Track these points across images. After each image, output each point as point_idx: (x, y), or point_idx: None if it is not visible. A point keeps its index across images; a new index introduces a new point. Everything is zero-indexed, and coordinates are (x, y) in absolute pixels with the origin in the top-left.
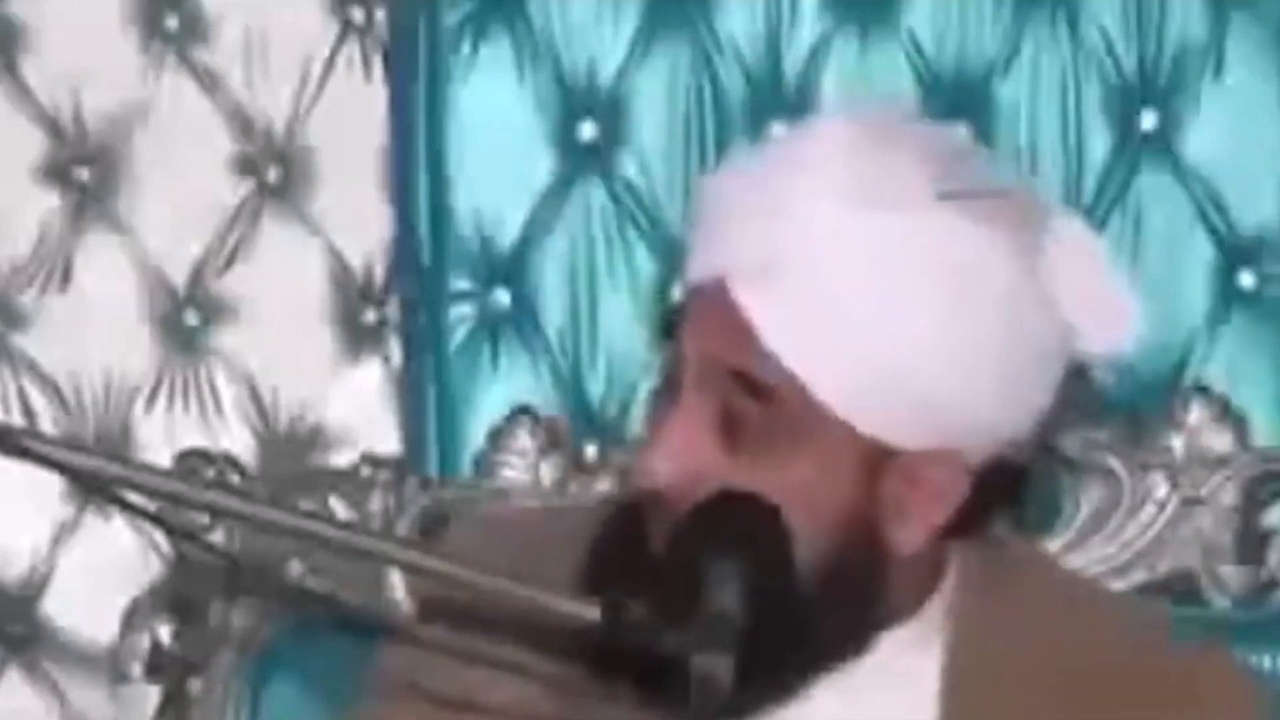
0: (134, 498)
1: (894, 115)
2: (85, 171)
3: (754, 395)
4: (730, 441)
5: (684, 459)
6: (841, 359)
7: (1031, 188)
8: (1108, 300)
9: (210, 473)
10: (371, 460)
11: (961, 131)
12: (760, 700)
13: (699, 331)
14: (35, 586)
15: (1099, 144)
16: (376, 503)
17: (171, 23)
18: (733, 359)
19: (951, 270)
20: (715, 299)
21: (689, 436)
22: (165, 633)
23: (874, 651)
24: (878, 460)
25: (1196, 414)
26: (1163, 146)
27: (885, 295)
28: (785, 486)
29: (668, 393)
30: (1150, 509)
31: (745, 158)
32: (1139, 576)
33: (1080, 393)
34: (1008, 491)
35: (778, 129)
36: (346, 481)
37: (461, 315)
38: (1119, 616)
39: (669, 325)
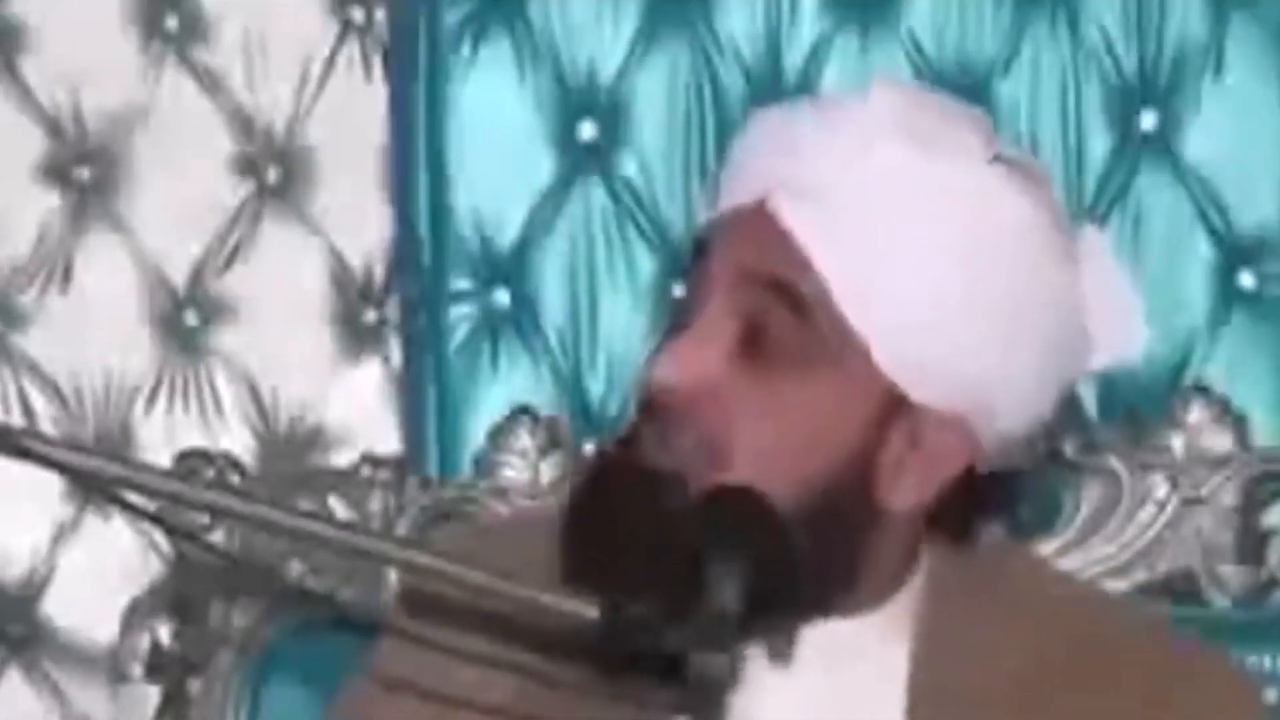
0: (134, 498)
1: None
2: (85, 171)
3: (786, 303)
4: (752, 351)
5: (697, 362)
6: (879, 288)
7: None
8: (1124, 314)
9: (210, 473)
10: (371, 460)
11: None
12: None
13: (736, 244)
14: (35, 586)
15: (1099, 144)
16: (376, 503)
17: (171, 23)
18: (773, 267)
19: (994, 229)
20: (755, 218)
21: (705, 340)
22: (165, 633)
23: (847, 634)
24: (890, 406)
25: (1196, 414)
26: (1163, 146)
27: (931, 237)
28: (798, 407)
29: (683, 314)
30: (1150, 509)
31: (797, 100)
32: (1139, 576)
33: (1069, 407)
34: (994, 495)
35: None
36: (346, 481)
37: (461, 315)
38: (1113, 616)
39: (693, 252)
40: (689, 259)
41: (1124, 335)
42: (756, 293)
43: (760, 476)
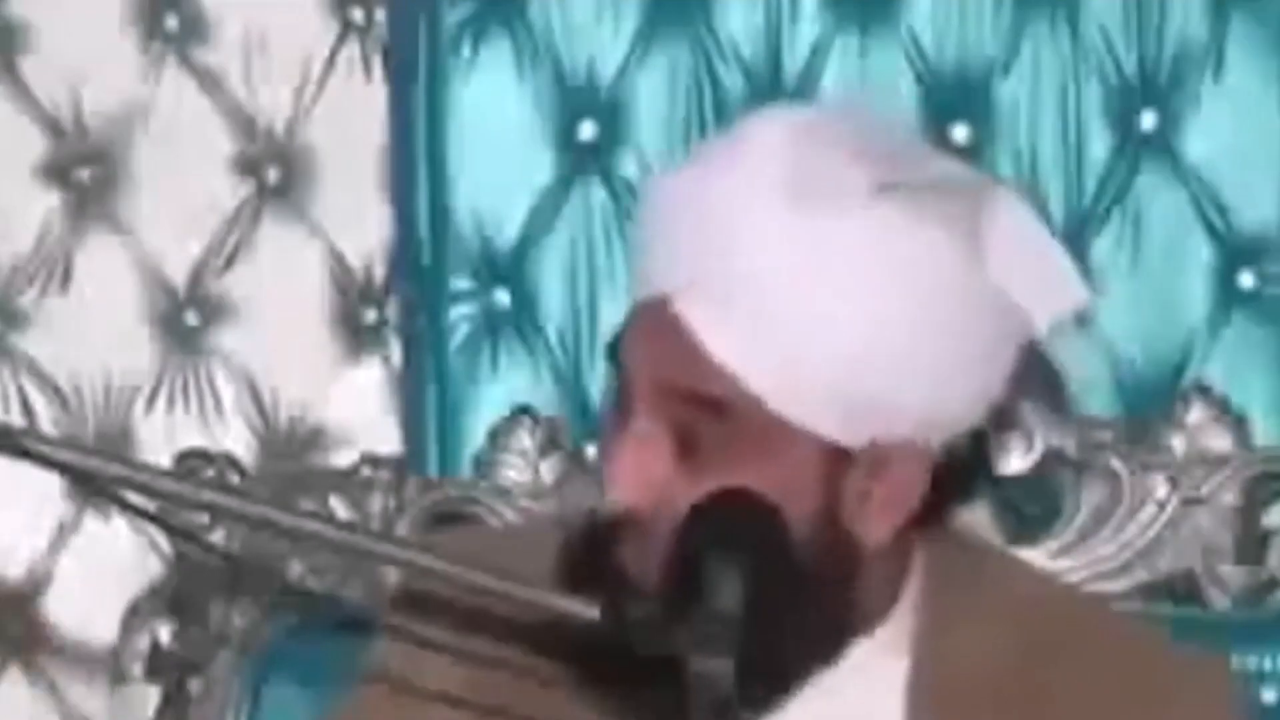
0: (134, 498)
1: (832, 112)
2: (85, 171)
3: (709, 412)
4: (690, 462)
5: (644, 487)
6: (791, 365)
7: (967, 168)
8: (1049, 271)
9: (210, 473)
10: (371, 460)
11: (900, 122)
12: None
13: (646, 354)
14: (35, 586)
15: (1099, 144)
16: (376, 503)
17: (171, 23)
18: (683, 379)
19: (895, 266)
20: (659, 317)
21: (645, 464)
22: (165, 633)
23: (847, 656)
24: (839, 460)
25: (1196, 414)
26: (1163, 146)
27: (829, 296)
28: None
29: (619, 413)
30: (1150, 509)
31: (680, 168)
32: (1139, 577)
33: (1034, 371)
34: (966, 479)
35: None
36: (346, 481)
37: (461, 315)
38: (1096, 616)
39: (614, 349)
40: (610, 356)
41: (1055, 293)
42: (678, 405)
43: None
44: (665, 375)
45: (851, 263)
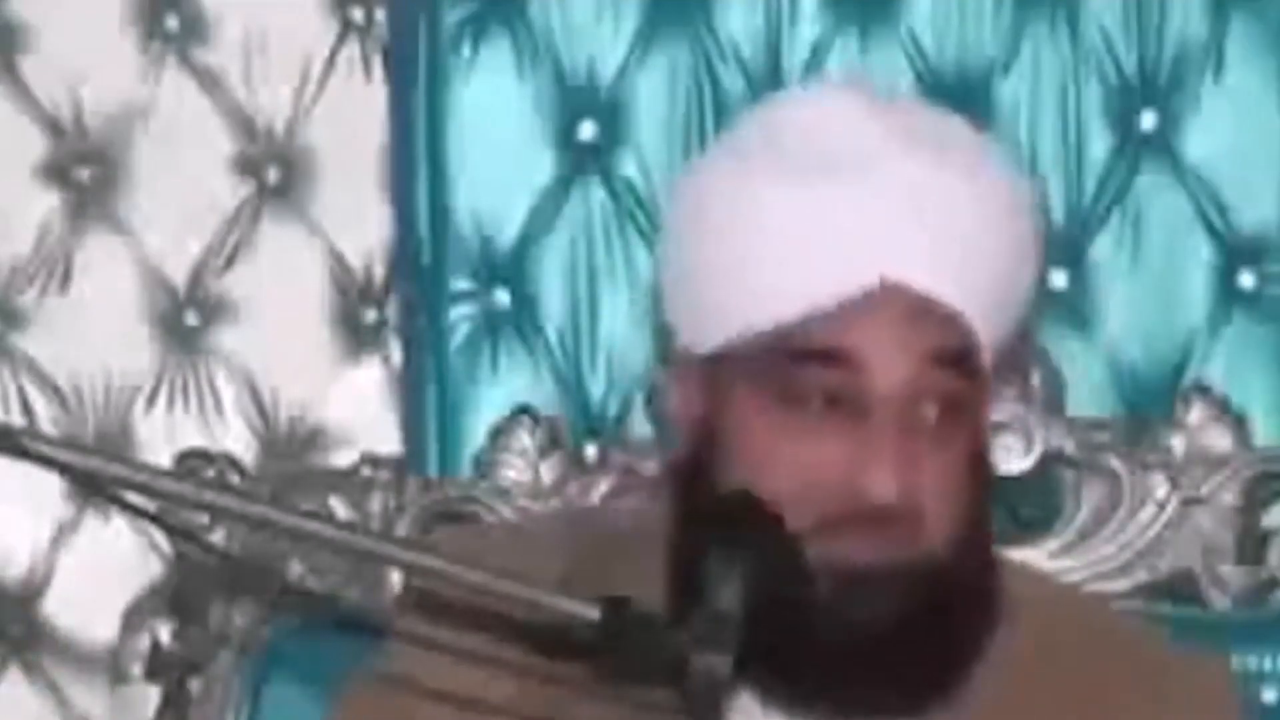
0: (134, 498)
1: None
2: (85, 171)
3: (968, 372)
4: (945, 429)
5: (911, 469)
6: (997, 304)
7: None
8: None
9: (210, 473)
10: (371, 460)
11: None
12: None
13: (898, 334)
14: (35, 586)
15: (1099, 144)
16: (376, 503)
17: (171, 23)
18: (942, 342)
19: (1007, 204)
20: (898, 296)
21: (913, 456)
22: (165, 633)
23: None
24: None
25: (1196, 414)
26: (1163, 146)
27: (1008, 237)
28: (971, 454)
29: (835, 413)
30: (1150, 509)
31: (791, 180)
32: (1139, 576)
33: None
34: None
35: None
36: (346, 481)
37: (461, 315)
38: (1091, 619)
39: (826, 354)
40: (814, 359)
41: None
42: (939, 374)
43: (949, 531)
44: (921, 344)
45: (1007, 206)
